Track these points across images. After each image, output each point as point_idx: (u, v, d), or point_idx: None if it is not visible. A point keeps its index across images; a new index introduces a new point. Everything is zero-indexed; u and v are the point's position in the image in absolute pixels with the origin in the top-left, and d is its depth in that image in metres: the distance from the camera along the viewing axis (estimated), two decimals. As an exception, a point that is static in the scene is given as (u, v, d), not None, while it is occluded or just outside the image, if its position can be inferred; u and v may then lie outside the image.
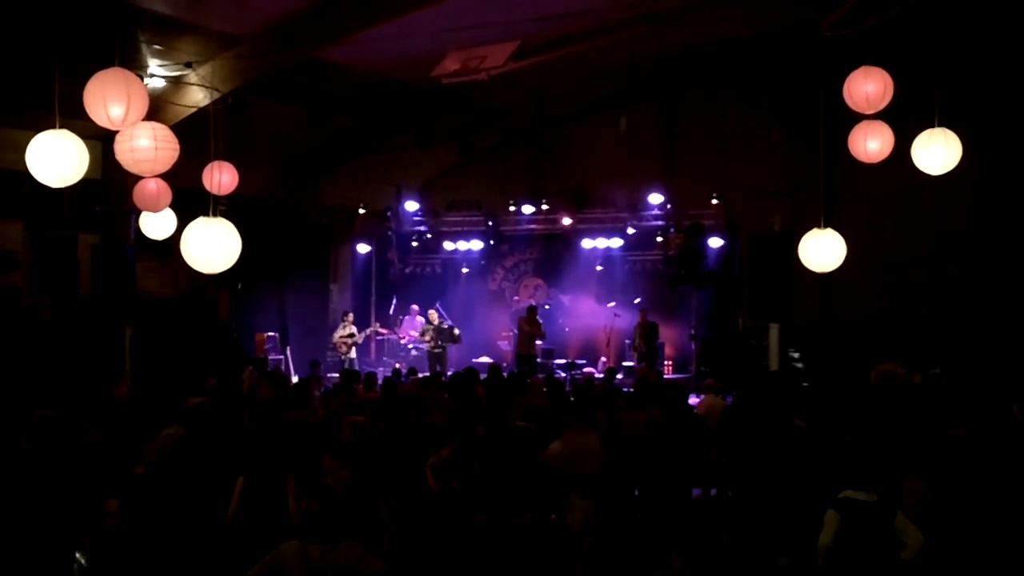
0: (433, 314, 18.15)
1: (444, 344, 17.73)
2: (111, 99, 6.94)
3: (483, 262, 20.97)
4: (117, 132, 7.52)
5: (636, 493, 8.40)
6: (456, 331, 17.94)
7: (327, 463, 6.58)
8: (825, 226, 9.10)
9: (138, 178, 9.00)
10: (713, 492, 8.81)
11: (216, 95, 12.83)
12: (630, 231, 18.89)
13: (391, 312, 20.41)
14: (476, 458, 6.49)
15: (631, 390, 12.94)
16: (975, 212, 15.60)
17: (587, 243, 19.63)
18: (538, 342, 17.96)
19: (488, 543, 5.15)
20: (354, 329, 17.66)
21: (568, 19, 12.91)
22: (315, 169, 18.92)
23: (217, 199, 8.44)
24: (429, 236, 20.60)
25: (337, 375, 16.28)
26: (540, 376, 14.27)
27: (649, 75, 17.29)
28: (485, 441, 7.14)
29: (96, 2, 10.77)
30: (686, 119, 18.28)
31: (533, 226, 19.71)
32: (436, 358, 17.64)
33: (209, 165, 9.82)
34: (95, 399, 10.11)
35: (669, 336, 18.63)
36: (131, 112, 7.04)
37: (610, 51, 14.97)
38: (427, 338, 17.96)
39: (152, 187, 9.28)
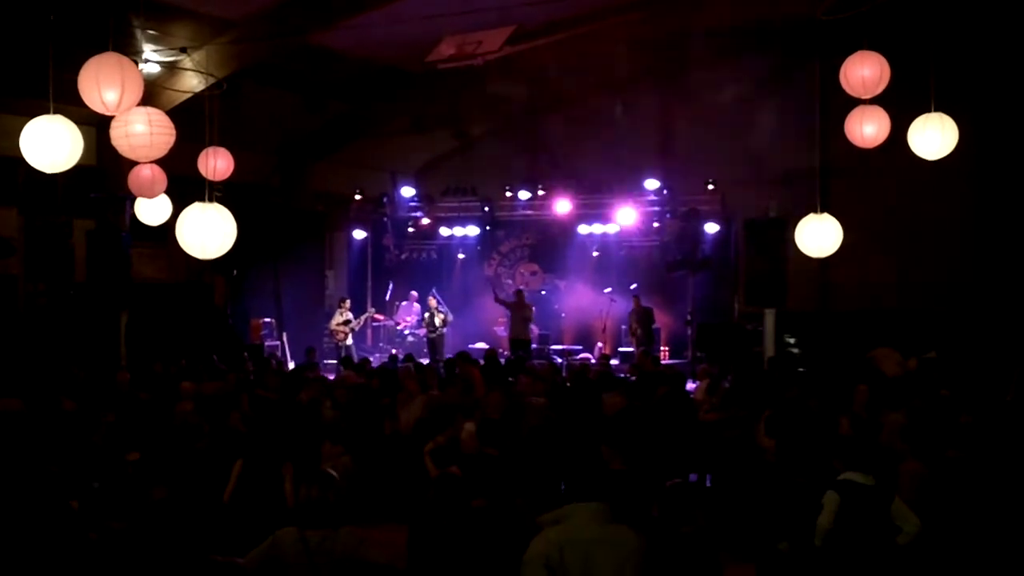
0: (432, 301, 18.13)
1: (439, 330, 17.73)
2: (105, 84, 6.91)
3: (479, 248, 20.94)
4: (112, 118, 7.50)
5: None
6: (438, 319, 17.81)
7: (326, 449, 6.58)
8: (821, 211, 9.13)
9: (133, 164, 8.96)
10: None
11: (211, 80, 12.79)
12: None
13: (387, 298, 20.41)
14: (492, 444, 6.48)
15: (626, 376, 12.96)
16: (971, 196, 15.59)
17: (583, 229, 19.61)
18: (532, 327, 17.94)
19: (486, 529, 5.15)
20: (350, 315, 17.64)
21: (564, 4, 12.86)
22: (310, 155, 18.88)
23: (212, 185, 8.43)
24: (425, 222, 20.54)
25: (334, 361, 16.34)
26: (537, 362, 14.23)
27: (645, 61, 17.25)
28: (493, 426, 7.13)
29: (89, -13, 10.72)
30: (682, 105, 18.24)
31: (529, 212, 19.66)
32: (432, 344, 17.65)
33: (204, 151, 9.81)
34: (98, 388, 10.07)
35: (665, 322, 18.64)
36: (125, 97, 7.01)
37: (606, 37, 14.93)
38: (426, 323, 18.00)
39: (147, 173, 9.24)
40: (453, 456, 6.55)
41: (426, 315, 17.96)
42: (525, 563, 4.10)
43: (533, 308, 17.92)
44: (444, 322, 17.80)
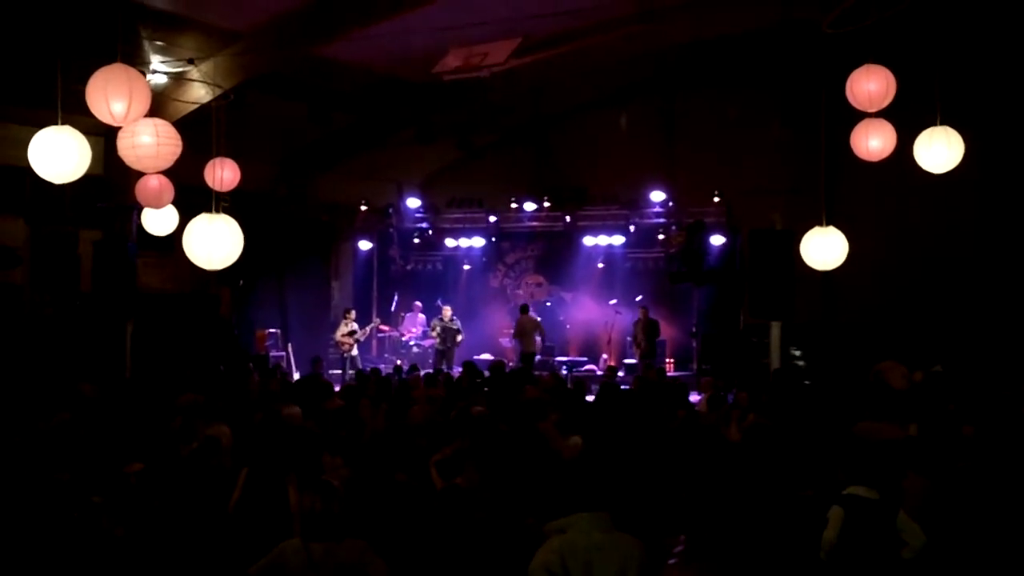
0: (447, 311, 18.11)
1: (449, 343, 17.72)
2: (113, 95, 6.94)
3: (484, 259, 20.95)
4: (119, 128, 7.53)
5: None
6: (459, 336, 17.89)
7: (326, 460, 6.56)
8: (827, 224, 9.13)
9: (140, 174, 9.00)
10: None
11: (218, 91, 12.83)
12: (631, 228, 18.89)
13: (393, 309, 20.41)
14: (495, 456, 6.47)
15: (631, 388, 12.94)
16: (977, 210, 15.57)
17: (588, 240, 19.62)
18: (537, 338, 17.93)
19: (490, 542, 5.14)
20: (355, 326, 17.64)
21: (569, 16, 12.89)
22: (316, 165, 18.90)
23: (219, 196, 8.46)
24: (431, 233, 20.59)
25: (338, 372, 16.35)
26: (544, 373, 14.22)
27: (650, 72, 17.25)
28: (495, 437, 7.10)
29: (98, -2, 10.77)
30: (687, 116, 18.21)
31: (535, 223, 19.68)
32: (441, 355, 17.64)
33: (211, 162, 9.84)
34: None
35: (670, 334, 18.62)
36: (133, 108, 7.05)
37: (611, 48, 14.94)
38: (435, 333, 17.97)
39: (154, 183, 9.28)
40: (459, 468, 6.53)
41: (437, 327, 17.90)
42: (529, 573, 4.16)
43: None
44: (458, 342, 17.85)
